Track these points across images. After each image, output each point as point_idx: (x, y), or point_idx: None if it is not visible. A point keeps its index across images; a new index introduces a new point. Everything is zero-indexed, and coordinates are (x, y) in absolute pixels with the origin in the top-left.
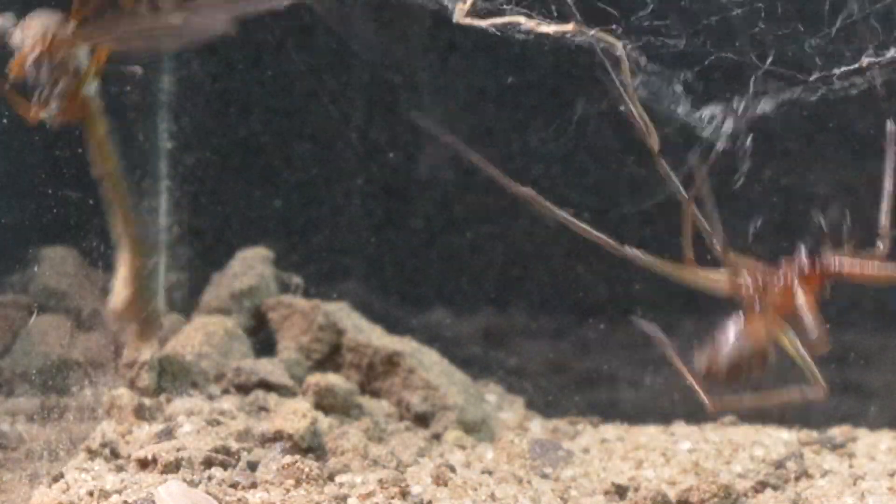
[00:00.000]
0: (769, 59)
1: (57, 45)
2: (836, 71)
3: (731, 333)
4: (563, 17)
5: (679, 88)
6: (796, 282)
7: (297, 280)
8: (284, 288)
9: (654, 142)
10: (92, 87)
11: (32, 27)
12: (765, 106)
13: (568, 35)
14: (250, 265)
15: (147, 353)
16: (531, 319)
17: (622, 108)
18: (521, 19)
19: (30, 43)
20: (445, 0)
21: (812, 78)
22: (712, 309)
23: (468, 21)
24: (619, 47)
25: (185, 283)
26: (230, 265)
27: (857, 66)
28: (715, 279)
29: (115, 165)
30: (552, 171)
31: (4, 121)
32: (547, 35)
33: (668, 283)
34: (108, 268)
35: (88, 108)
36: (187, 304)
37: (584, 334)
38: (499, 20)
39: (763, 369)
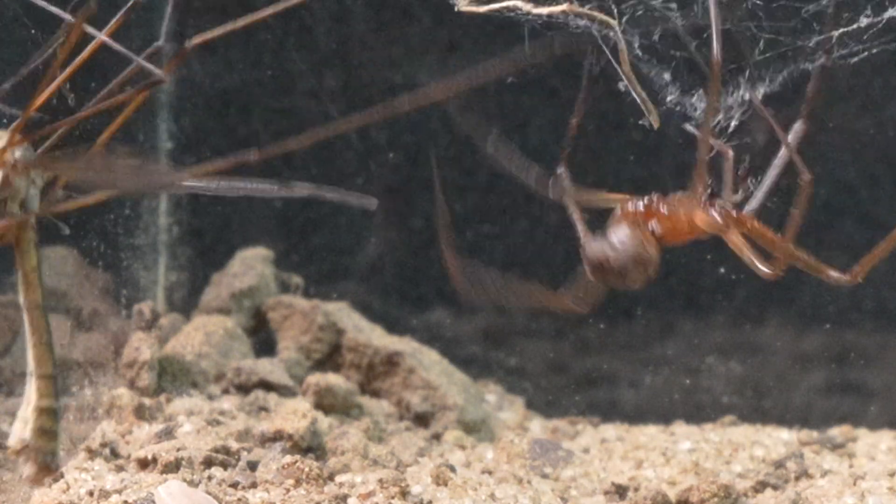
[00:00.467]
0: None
1: (5, 165)
2: (834, 33)
3: (621, 235)
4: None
5: (668, 76)
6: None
7: (297, 280)
8: (284, 288)
9: (654, 119)
10: (30, 215)
11: None
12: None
13: (563, 15)
14: (250, 265)
15: (147, 352)
16: (531, 319)
17: (621, 85)
18: (519, 3)
19: None
20: None
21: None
22: (712, 309)
23: (469, 9)
24: (614, 25)
25: (185, 283)
26: (230, 265)
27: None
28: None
29: (40, 299)
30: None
31: (5, 120)
32: (542, 16)
33: (669, 283)
34: (109, 268)
35: (22, 236)
36: (187, 304)
37: (584, 334)
38: (496, 5)
39: (643, 279)
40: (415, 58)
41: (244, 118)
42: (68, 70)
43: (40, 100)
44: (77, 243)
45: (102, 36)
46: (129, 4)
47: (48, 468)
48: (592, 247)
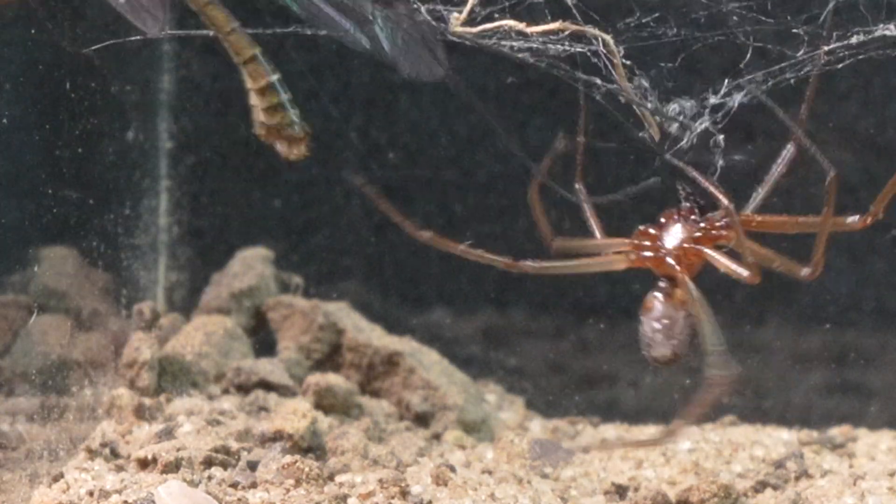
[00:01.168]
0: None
1: None
2: (824, 48)
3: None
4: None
5: (646, 83)
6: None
7: (297, 280)
8: (284, 288)
9: (654, 131)
10: None
11: None
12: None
13: (556, 34)
14: (250, 265)
15: (147, 352)
16: (531, 319)
17: (622, 98)
18: (510, 22)
19: None
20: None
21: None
22: (712, 309)
23: (461, 30)
24: (609, 41)
25: (185, 283)
26: (230, 265)
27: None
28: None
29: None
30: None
31: (4, 121)
32: (535, 34)
33: None
34: (109, 268)
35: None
36: (187, 304)
37: (584, 334)
38: (489, 25)
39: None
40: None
41: (244, 118)
42: None
43: None
44: (77, 243)
45: None
46: None
47: (296, 138)
48: (655, 354)
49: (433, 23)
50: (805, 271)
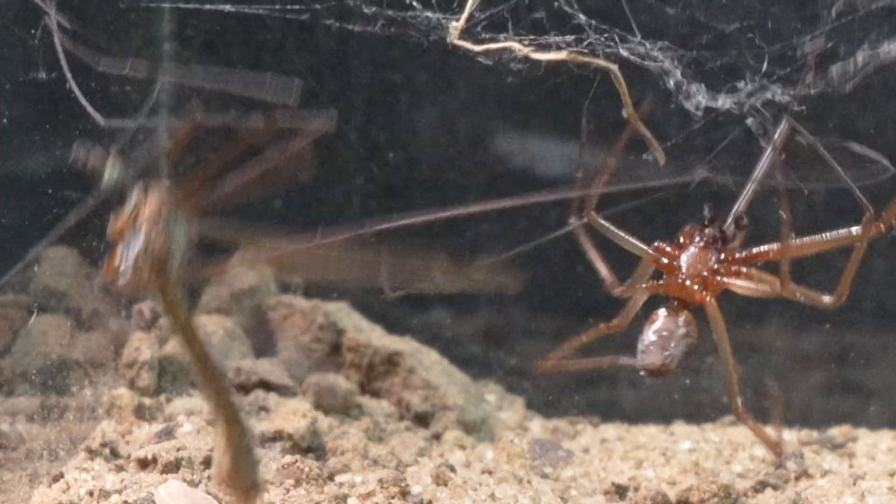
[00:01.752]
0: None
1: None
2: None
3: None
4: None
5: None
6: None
7: (297, 280)
8: (284, 288)
9: (660, 156)
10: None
11: (150, 202)
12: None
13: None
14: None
15: (147, 352)
16: (531, 319)
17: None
18: (515, 45)
19: (143, 216)
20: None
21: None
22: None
23: (461, 44)
24: (614, 70)
25: (186, 283)
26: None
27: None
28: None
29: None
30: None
31: (4, 121)
32: (540, 62)
33: None
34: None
35: (170, 295)
36: (187, 304)
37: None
38: (493, 46)
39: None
40: (413, 59)
41: (243, 118)
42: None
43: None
44: (77, 243)
45: None
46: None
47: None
48: (646, 362)
49: None
50: (828, 299)
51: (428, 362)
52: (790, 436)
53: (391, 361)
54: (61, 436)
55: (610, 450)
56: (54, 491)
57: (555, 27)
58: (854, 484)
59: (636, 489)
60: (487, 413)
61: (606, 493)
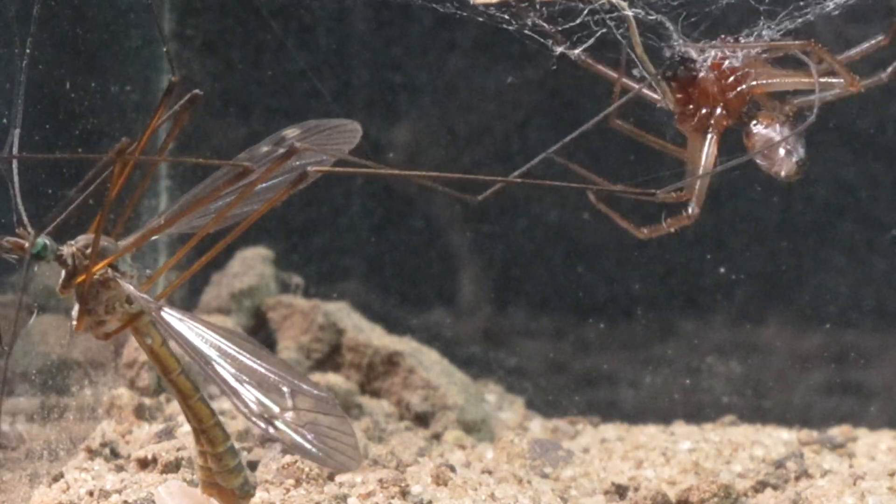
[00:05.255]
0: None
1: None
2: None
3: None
4: None
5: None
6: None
7: (297, 280)
8: (284, 288)
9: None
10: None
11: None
12: None
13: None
14: (250, 265)
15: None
16: (531, 319)
17: (628, 50)
18: None
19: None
20: None
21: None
22: (712, 309)
23: (481, 1)
24: (625, 7)
25: (185, 283)
26: (230, 265)
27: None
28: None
29: (179, 368)
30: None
31: (4, 121)
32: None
33: (669, 283)
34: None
35: (138, 324)
36: (187, 304)
37: (584, 334)
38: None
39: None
40: (414, 57)
41: (244, 118)
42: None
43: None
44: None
45: None
46: None
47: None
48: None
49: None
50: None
51: (428, 362)
52: (790, 436)
53: (391, 361)
54: (61, 436)
55: (610, 450)
56: (54, 491)
57: None
58: (854, 484)
59: (636, 489)
60: (487, 413)
61: (606, 492)
